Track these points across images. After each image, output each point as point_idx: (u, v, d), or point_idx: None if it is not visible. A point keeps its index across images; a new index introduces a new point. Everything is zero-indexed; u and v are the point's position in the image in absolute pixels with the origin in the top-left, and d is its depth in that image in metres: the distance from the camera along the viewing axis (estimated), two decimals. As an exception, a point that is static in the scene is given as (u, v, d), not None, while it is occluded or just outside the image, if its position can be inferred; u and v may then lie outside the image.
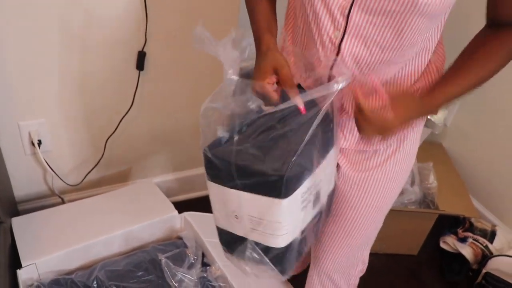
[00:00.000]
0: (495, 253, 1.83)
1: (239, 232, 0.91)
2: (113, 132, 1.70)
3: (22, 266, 1.33)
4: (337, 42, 0.87)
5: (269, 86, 0.85)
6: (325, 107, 0.83)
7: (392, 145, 1.03)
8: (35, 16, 1.38)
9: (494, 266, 1.76)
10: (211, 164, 0.84)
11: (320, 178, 0.91)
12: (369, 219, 1.11)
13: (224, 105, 0.85)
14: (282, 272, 0.92)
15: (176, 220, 1.60)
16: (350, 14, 0.83)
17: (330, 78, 0.91)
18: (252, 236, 0.89)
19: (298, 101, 0.83)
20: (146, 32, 1.53)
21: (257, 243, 0.89)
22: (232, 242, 0.93)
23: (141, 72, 1.61)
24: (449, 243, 1.93)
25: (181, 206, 1.65)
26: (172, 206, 1.61)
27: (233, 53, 0.85)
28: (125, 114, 1.68)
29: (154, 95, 1.71)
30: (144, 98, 1.69)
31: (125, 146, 1.79)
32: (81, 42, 1.48)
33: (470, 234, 1.91)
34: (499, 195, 2.01)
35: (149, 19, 1.51)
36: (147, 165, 1.91)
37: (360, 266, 1.27)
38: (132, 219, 1.54)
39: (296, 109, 0.84)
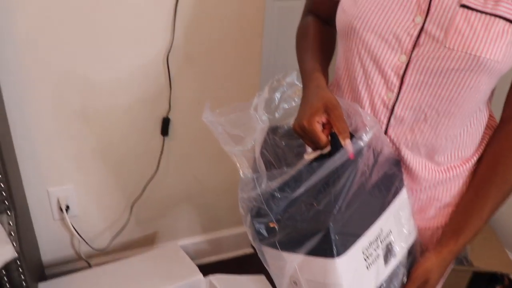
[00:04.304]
0: (536, 312, 1.74)
1: None
2: (139, 196, 1.73)
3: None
4: (390, 104, 0.83)
5: (319, 125, 0.78)
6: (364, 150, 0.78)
7: None
8: (57, 81, 1.43)
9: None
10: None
11: (389, 229, 0.83)
12: None
13: (253, 196, 0.79)
14: None
15: (202, 284, 1.59)
16: (405, 74, 0.79)
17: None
18: None
19: (349, 146, 0.75)
20: (170, 99, 1.58)
21: None
22: None
23: (166, 137, 1.65)
24: (486, 302, 1.85)
25: (208, 269, 1.64)
26: (197, 269, 1.60)
27: (258, 125, 0.80)
28: (151, 179, 1.71)
29: (179, 159, 1.74)
30: (169, 162, 1.72)
31: (151, 209, 1.81)
32: (106, 110, 1.54)
33: (509, 292, 1.82)
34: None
35: (172, 87, 1.56)
36: (173, 228, 1.91)
37: None
38: (157, 284, 1.53)
39: (338, 165, 0.75)
